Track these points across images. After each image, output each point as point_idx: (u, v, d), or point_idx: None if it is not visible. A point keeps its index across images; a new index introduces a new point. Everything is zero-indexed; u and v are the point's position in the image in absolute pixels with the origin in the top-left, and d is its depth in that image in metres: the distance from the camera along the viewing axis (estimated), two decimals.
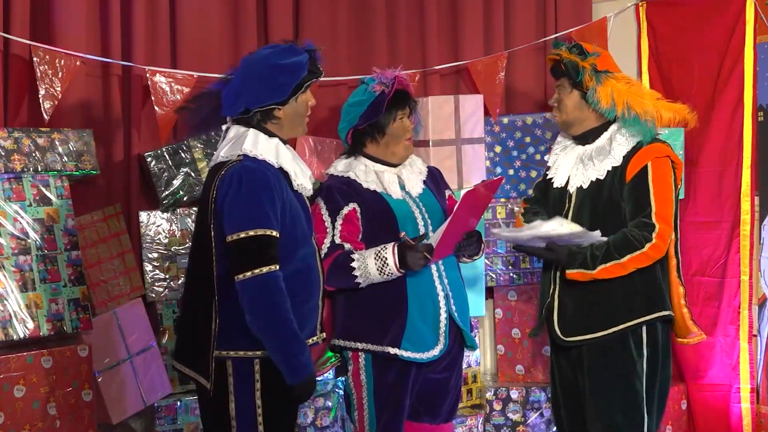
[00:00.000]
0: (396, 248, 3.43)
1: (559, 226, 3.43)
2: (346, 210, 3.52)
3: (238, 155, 3.09)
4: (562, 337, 3.53)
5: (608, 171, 3.50)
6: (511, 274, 4.70)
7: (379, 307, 3.49)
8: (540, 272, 4.64)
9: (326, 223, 3.51)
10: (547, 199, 3.73)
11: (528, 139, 4.69)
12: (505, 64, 4.74)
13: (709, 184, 4.70)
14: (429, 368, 3.57)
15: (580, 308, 3.51)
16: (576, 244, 3.45)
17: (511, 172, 4.73)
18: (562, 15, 4.94)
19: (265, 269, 2.98)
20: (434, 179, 3.76)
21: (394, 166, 3.64)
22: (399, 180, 3.63)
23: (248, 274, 2.98)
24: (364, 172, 3.59)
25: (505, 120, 4.75)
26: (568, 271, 3.46)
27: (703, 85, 4.69)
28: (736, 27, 4.60)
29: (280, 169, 3.15)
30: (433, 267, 3.54)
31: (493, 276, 4.70)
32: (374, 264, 3.42)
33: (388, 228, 3.52)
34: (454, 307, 3.56)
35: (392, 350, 3.47)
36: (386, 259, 3.42)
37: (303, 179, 3.24)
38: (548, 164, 3.75)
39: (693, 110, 3.62)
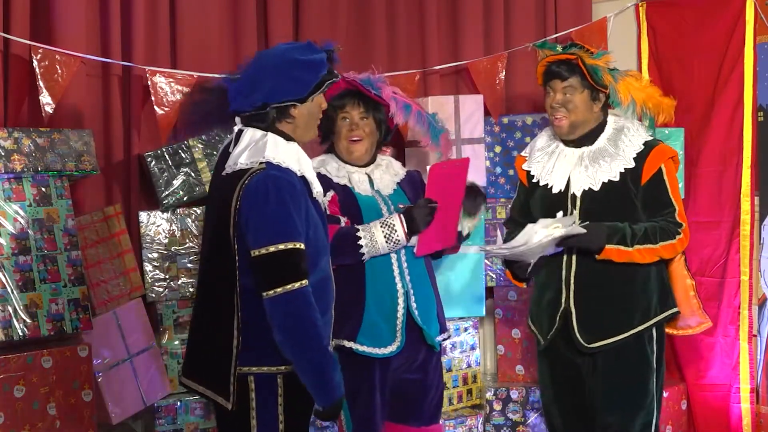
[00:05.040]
0: (401, 215, 3.47)
1: (553, 228, 3.39)
2: (330, 194, 3.54)
3: (261, 162, 2.91)
4: (584, 343, 3.49)
5: (621, 173, 3.48)
6: None
7: (337, 300, 3.48)
8: None
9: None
10: (529, 214, 3.65)
11: (528, 139, 4.68)
12: (505, 64, 4.75)
13: (709, 184, 4.70)
14: (402, 368, 3.57)
15: (600, 312, 3.48)
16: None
17: (511, 172, 4.72)
18: (562, 15, 4.94)
19: (296, 285, 2.82)
20: (412, 183, 3.76)
21: (362, 166, 3.65)
22: (369, 179, 3.64)
23: (279, 290, 2.81)
24: (336, 168, 3.62)
25: (505, 120, 4.75)
26: (606, 247, 3.39)
27: (703, 85, 4.69)
28: (736, 27, 4.60)
29: (302, 177, 3.00)
30: (395, 263, 3.54)
31: (493, 276, 4.70)
32: (381, 232, 3.45)
33: (354, 221, 3.53)
34: (414, 305, 3.55)
35: (347, 344, 3.47)
36: (393, 225, 3.46)
37: (320, 187, 3.10)
38: (531, 172, 3.67)
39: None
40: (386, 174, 3.68)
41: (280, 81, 2.95)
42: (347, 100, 3.61)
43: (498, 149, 4.74)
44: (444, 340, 3.71)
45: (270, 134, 2.97)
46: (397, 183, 3.70)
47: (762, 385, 4.62)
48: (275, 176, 2.88)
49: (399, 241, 3.47)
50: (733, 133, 4.64)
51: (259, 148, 2.94)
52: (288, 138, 3.01)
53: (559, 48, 3.56)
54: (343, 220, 3.51)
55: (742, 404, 4.65)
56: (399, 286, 3.54)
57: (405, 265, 3.57)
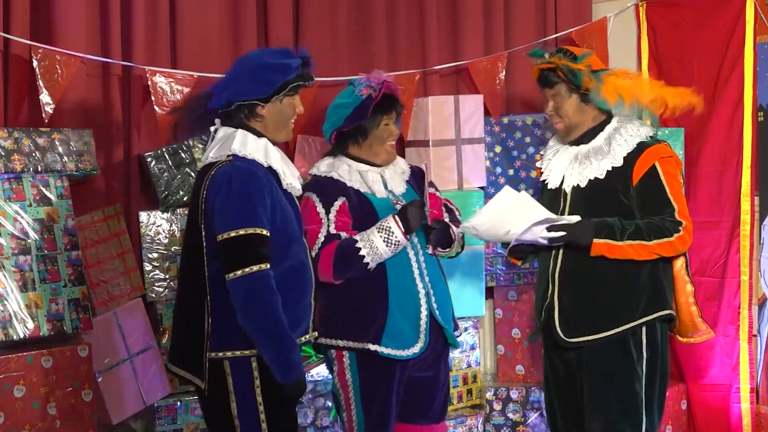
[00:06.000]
0: (395, 216, 3.47)
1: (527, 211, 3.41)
2: (339, 202, 3.54)
3: (228, 155, 3.12)
4: (564, 338, 3.51)
5: (608, 171, 3.49)
6: (511, 274, 4.70)
7: (360, 304, 3.50)
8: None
9: (321, 215, 3.52)
10: None
11: (528, 139, 4.69)
12: (505, 64, 4.75)
13: (709, 184, 4.70)
14: (414, 367, 3.57)
15: (582, 308, 3.48)
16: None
17: (511, 172, 4.73)
18: (562, 15, 4.94)
19: (255, 268, 2.99)
20: (417, 179, 3.75)
21: (377, 166, 3.64)
22: (382, 179, 3.63)
23: (239, 272, 2.98)
24: (348, 171, 3.60)
25: (505, 120, 4.75)
26: (594, 242, 3.38)
27: (703, 85, 4.66)
28: (736, 27, 4.60)
29: (269, 168, 3.17)
30: (414, 265, 3.55)
31: (493, 276, 4.70)
32: (379, 237, 3.44)
33: (370, 226, 3.52)
34: (435, 305, 3.56)
35: (372, 347, 3.47)
36: (390, 228, 3.45)
37: (292, 179, 3.26)
38: (541, 170, 3.71)
39: (699, 93, 3.60)
40: (395, 174, 3.67)
41: (245, 81, 3.17)
42: (393, 106, 3.60)
43: (498, 149, 4.74)
44: (458, 336, 3.72)
45: (240, 130, 3.17)
46: (406, 181, 3.70)
47: (762, 385, 4.63)
48: (239, 167, 3.08)
49: (398, 242, 3.47)
50: (733, 133, 4.64)
51: (227, 143, 3.15)
52: (260, 135, 3.19)
53: (546, 55, 3.55)
54: (344, 236, 3.50)
55: (742, 404, 4.65)
56: (420, 287, 3.54)
57: (423, 265, 3.57)
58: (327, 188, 3.56)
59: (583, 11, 4.94)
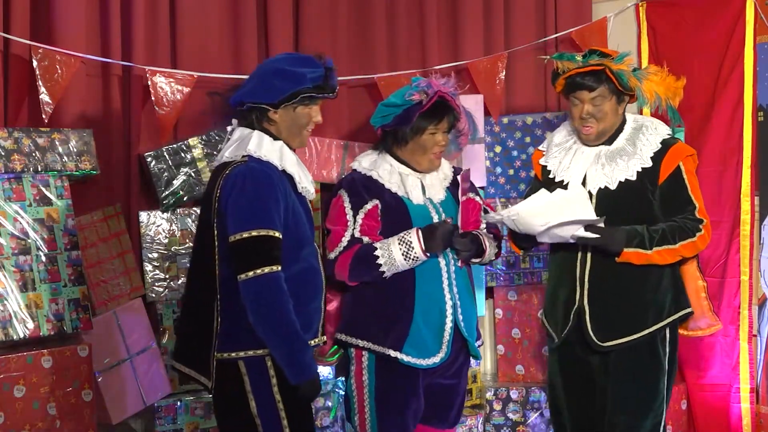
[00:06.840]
0: (420, 231, 3.41)
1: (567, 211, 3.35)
2: (369, 205, 3.49)
3: (243, 156, 3.10)
4: (597, 342, 3.47)
5: (638, 172, 3.47)
6: (511, 274, 4.70)
7: (385, 307, 3.46)
8: (541, 272, 4.62)
9: (348, 216, 3.48)
10: None
11: (528, 139, 4.69)
12: (505, 64, 4.74)
13: (709, 184, 4.68)
14: (436, 374, 3.54)
15: (615, 311, 3.46)
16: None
17: (511, 172, 4.73)
18: (562, 15, 4.94)
19: (267, 269, 2.98)
20: (456, 184, 3.63)
21: (419, 171, 3.56)
22: (422, 185, 3.56)
23: (250, 273, 2.98)
24: (389, 172, 3.53)
25: (505, 120, 4.75)
26: (625, 251, 3.36)
27: (703, 85, 4.68)
28: (736, 27, 4.60)
29: (284, 171, 3.15)
30: (444, 275, 3.49)
31: (493, 276, 4.70)
32: (398, 249, 3.39)
33: (401, 231, 3.46)
34: (461, 317, 3.51)
35: (393, 353, 3.44)
36: (411, 243, 3.39)
37: (306, 183, 3.23)
38: (547, 167, 3.62)
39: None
40: (437, 180, 3.58)
41: (257, 83, 3.16)
42: (443, 116, 3.49)
43: (498, 149, 4.74)
44: (479, 346, 3.68)
45: (256, 132, 3.15)
46: (447, 188, 3.61)
47: (762, 385, 4.63)
48: (253, 168, 3.07)
49: (417, 258, 3.40)
50: (733, 133, 4.64)
51: (243, 143, 3.14)
52: (276, 138, 3.17)
53: (579, 57, 3.46)
54: (366, 240, 3.46)
55: (742, 404, 4.65)
56: (448, 297, 3.49)
57: (453, 276, 3.51)
58: (361, 188, 3.51)
59: (583, 11, 4.94)
